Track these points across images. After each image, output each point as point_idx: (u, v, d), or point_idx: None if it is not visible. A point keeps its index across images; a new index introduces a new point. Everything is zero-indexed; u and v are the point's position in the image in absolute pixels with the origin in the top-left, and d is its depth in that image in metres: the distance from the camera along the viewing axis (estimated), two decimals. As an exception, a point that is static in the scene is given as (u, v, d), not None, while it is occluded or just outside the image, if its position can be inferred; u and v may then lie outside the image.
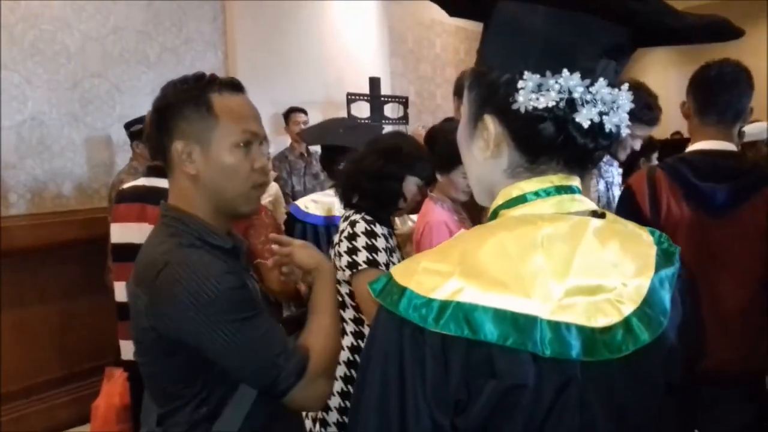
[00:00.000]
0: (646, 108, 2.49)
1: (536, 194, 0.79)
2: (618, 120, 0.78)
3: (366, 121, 5.04)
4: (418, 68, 6.63)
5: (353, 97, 5.20)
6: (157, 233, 1.27)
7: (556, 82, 0.75)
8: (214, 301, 1.13)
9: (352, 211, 2.11)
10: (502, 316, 0.68)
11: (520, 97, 0.75)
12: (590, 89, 0.75)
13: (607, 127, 0.77)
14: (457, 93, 2.88)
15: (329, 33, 5.67)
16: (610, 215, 0.84)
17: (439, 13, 6.72)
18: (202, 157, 1.25)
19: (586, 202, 0.81)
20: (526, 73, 0.75)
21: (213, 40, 4.85)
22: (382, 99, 5.34)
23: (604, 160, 2.34)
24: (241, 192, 1.28)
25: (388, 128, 5.14)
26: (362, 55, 5.90)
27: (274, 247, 1.40)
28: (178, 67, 4.48)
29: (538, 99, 0.75)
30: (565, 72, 0.75)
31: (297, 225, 2.59)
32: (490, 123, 0.80)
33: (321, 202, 2.63)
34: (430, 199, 2.35)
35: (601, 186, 2.61)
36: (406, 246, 2.45)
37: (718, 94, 2.00)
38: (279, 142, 5.09)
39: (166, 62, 4.45)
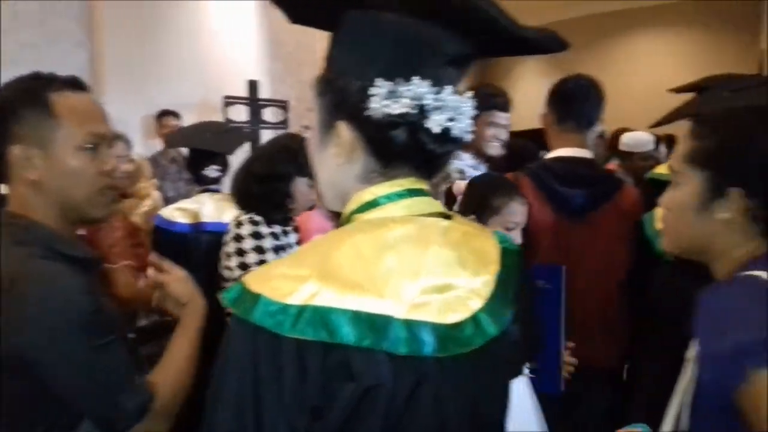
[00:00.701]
0: (491, 96, 2.62)
1: (388, 198, 0.81)
2: (464, 126, 0.81)
3: (244, 126, 4.94)
4: (300, 72, 6.57)
5: (230, 100, 5.08)
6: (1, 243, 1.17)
7: (408, 89, 0.76)
8: (67, 325, 1.06)
9: (243, 213, 2.11)
10: (358, 318, 0.69)
11: (374, 104, 0.76)
12: (439, 96, 0.78)
13: (454, 132, 0.80)
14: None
15: (206, 34, 5.51)
16: (456, 217, 0.87)
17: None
18: (44, 161, 1.16)
19: (435, 205, 0.84)
20: (378, 80, 0.76)
21: (79, 38, 4.58)
22: (261, 102, 5.25)
23: (470, 163, 2.45)
24: (88, 197, 1.20)
25: (266, 133, 5.07)
26: (241, 57, 5.78)
27: (151, 272, 1.36)
28: (38, 66, 4.16)
29: (391, 106, 0.76)
30: (416, 79, 0.77)
31: (163, 235, 2.47)
32: (344, 130, 0.80)
33: (188, 210, 2.52)
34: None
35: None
36: None
37: (575, 104, 2.15)
38: (152, 145, 4.88)
39: (26, 60, 4.15)
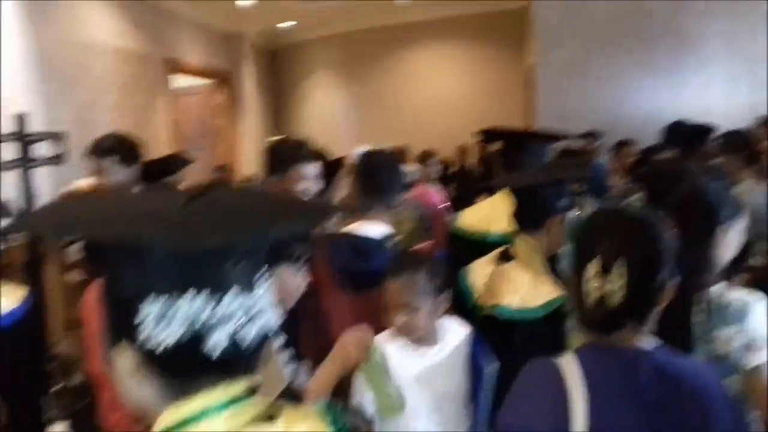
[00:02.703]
0: (295, 149, 2.58)
1: (203, 414, 0.73)
2: (261, 326, 0.75)
3: (13, 164, 4.43)
4: (77, 94, 6.06)
5: (-5, 137, 4.52)
6: None
7: (180, 308, 0.70)
8: None
9: None
10: None
11: (145, 331, 0.70)
12: (217, 308, 0.71)
13: (246, 341, 0.74)
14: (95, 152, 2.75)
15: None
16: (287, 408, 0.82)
17: (95, 33, 6.25)
18: None
19: (259, 404, 0.78)
20: (149, 299, 0.70)
21: None
22: (28, 138, 4.73)
23: None
24: None
25: (40, 171, 4.60)
26: (8, 83, 5.18)
27: None
28: None
29: (162, 331, 0.70)
30: (189, 294, 0.70)
31: None
32: (126, 351, 0.73)
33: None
34: None
35: None
36: None
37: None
38: None
39: None
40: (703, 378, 1.29)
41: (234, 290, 0.73)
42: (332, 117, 10.14)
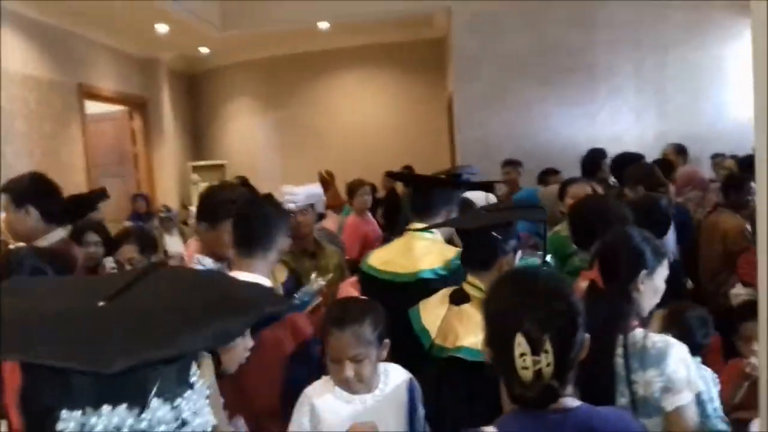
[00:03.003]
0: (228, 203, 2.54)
1: None
2: (202, 421, 0.70)
3: None
4: (-19, 124, 5.72)
5: None
6: None
7: (98, 423, 0.64)
8: None
9: None
10: None
11: None
12: (143, 416, 0.66)
13: None
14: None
15: None
16: None
17: (3, 60, 5.91)
18: None
19: None
20: (64, 412, 0.64)
21: None
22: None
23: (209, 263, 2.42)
24: None
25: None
26: None
27: None
28: None
29: None
30: (106, 408, 0.65)
31: None
32: None
33: None
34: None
35: None
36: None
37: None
38: None
39: None
40: (624, 423, 1.35)
41: (157, 400, 0.68)
42: (253, 143, 10.01)
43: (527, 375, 1.24)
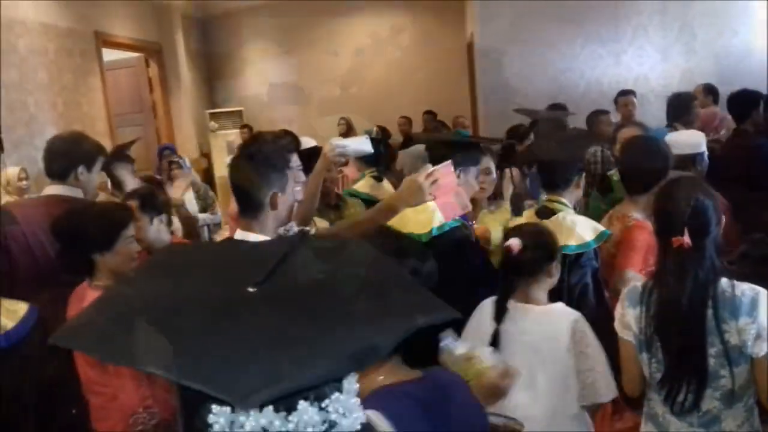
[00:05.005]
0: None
1: None
2: (352, 421, 0.70)
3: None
4: (4, 75, 5.68)
5: None
6: None
7: (247, 421, 0.65)
8: None
9: None
10: None
11: None
12: (290, 417, 0.66)
13: None
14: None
15: None
16: None
17: (18, 11, 5.83)
18: None
19: None
20: (215, 406, 0.66)
21: None
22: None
23: None
24: None
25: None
26: None
27: None
28: None
29: None
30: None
31: None
32: None
33: None
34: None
35: None
36: None
37: None
38: None
39: None
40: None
41: (305, 402, 0.67)
42: (269, 88, 9.93)
43: None
